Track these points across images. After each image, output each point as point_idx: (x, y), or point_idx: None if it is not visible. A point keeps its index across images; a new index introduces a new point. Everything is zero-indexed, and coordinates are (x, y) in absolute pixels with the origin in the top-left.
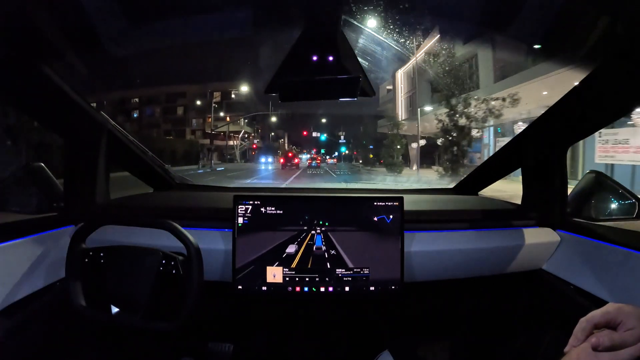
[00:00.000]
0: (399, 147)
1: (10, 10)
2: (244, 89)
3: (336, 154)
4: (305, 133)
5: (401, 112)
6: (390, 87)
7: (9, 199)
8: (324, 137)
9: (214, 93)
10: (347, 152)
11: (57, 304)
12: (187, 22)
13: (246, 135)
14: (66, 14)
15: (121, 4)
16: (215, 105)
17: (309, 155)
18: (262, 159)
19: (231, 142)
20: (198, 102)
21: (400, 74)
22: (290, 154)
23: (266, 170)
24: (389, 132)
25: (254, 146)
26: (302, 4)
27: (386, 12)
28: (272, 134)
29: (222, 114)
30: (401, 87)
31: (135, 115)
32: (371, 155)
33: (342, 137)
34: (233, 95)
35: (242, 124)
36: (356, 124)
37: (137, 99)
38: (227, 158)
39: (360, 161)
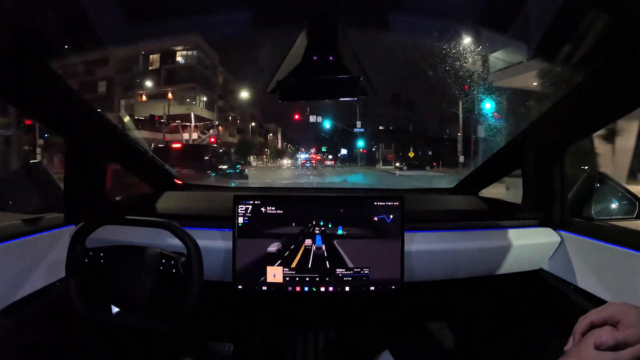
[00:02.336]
0: None
1: (11, 8)
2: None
3: (344, 152)
4: (297, 117)
5: None
6: None
7: (9, 199)
8: (328, 123)
9: (151, 57)
10: (360, 149)
11: (57, 304)
12: (188, 21)
13: (211, 126)
14: (67, 12)
15: (123, 3)
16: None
17: (306, 155)
18: None
19: (182, 135)
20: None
21: None
22: (173, 148)
23: None
24: None
25: (212, 140)
26: (303, 4)
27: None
28: (253, 124)
29: (148, 82)
30: None
31: None
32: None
33: (358, 125)
34: (180, 58)
35: (199, 105)
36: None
37: None
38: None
39: (399, 164)
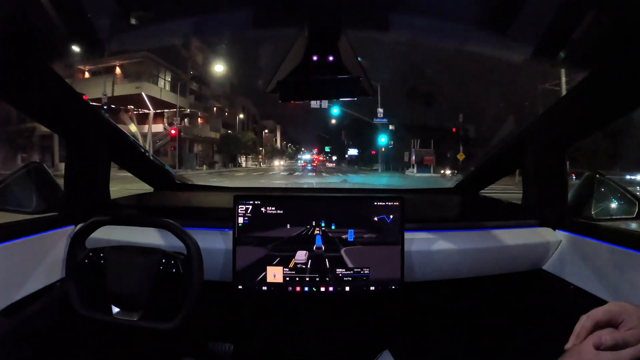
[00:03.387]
0: None
1: (11, 9)
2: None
3: (353, 152)
4: (292, 101)
5: None
6: None
7: (9, 199)
8: (337, 109)
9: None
10: (382, 147)
11: (57, 304)
12: (187, 21)
13: (184, 114)
14: (67, 12)
15: (122, 3)
16: None
17: (308, 157)
18: None
19: (135, 129)
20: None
21: None
22: None
23: None
24: None
25: (173, 132)
26: (303, 4)
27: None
28: (241, 115)
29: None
30: None
31: None
32: None
33: (380, 114)
34: (134, 21)
35: (158, 84)
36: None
37: None
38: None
39: (451, 171)
